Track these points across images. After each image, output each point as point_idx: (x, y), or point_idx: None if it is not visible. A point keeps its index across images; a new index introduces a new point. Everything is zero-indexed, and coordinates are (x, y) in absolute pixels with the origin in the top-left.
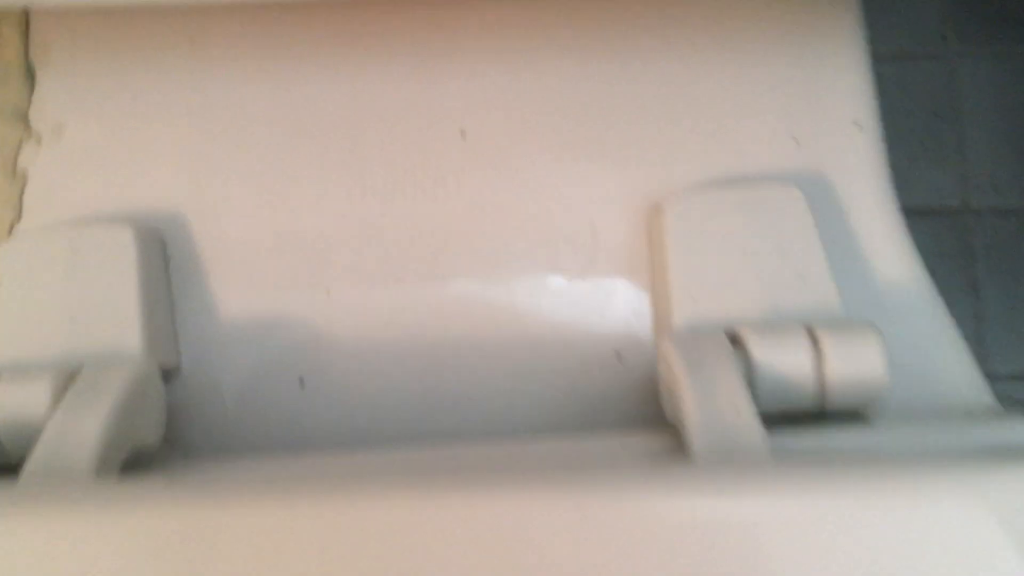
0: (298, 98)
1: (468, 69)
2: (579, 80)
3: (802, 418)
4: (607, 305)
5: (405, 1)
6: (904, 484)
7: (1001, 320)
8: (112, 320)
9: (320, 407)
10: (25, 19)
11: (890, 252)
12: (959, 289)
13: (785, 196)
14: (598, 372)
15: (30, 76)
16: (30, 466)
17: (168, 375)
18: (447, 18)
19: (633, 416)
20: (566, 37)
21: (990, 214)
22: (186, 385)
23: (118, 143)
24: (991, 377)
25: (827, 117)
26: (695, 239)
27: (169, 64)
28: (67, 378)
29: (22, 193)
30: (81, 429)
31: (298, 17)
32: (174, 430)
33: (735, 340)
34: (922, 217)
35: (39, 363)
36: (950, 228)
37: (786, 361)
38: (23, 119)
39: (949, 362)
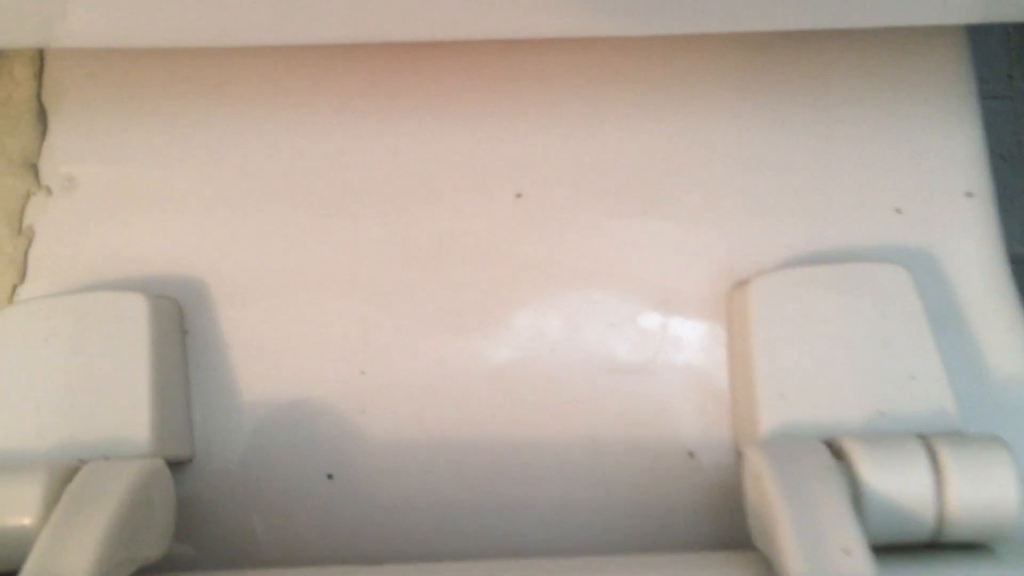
0: (336, 152)
1: (525, 124)
2: (650, 136)
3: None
4: (679, 396)
5: (456, 51)
6: None
7: None
8: (119, 406)
9: (350, 506)
10: (40, 58)
11: (1008, 342)
12: None
13: (890, 276)
14: (668, 475)
15: (42, 121)
16: None
17: (180, 463)
18: (502, 69)
19: (708, 527)
20: (635, 88)
21: None
22: (202, 475)
23: (134, 198)
24: None
25: (935, 186)
26: (785, 324)
27: (194, 111)
28: (64, 478)
29: (27, 251)
30: (73, 553)
31: (341, 63)
32: (186, 523)
33: (837, 452)
34: None
35: (34, 454)
36: (1018, 279)
37: (901, 484)
38: (32, 169)
39: None
